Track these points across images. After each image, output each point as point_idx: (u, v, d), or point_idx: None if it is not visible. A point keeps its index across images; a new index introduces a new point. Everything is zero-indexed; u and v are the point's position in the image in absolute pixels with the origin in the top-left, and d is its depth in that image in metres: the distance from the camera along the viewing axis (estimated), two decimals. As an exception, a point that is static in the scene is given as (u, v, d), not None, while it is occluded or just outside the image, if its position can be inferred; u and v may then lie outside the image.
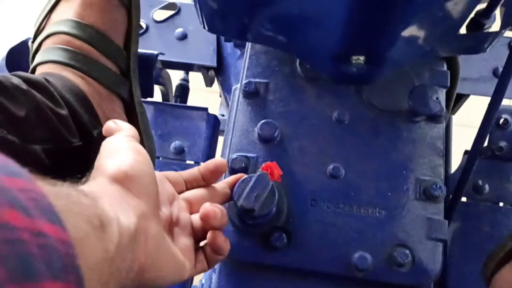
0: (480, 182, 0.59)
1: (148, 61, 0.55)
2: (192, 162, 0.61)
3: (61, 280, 0.18)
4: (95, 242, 0.22)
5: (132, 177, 0.29)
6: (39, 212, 0.18)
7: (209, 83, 0.72)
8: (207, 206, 0.35)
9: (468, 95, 0.64)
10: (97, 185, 0.28)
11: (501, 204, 0.61)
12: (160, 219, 0.31)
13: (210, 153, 0.62)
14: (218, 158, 0.42)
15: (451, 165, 0.65)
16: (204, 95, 0.76)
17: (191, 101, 0.75)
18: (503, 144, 0.54)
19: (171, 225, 0.34)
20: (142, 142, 0.48)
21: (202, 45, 0.67)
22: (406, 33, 0.40)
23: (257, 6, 0.43)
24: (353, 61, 0.43)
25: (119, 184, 0.28)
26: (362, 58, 0.43)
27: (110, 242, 0.23)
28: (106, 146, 0.32)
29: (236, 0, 0.43)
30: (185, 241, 0.34)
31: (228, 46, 0.67)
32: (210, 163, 0.40)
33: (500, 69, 0.65)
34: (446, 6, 0.38)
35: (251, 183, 0.41)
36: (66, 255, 0.18)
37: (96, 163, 0.31)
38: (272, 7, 0.43)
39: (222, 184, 0.41)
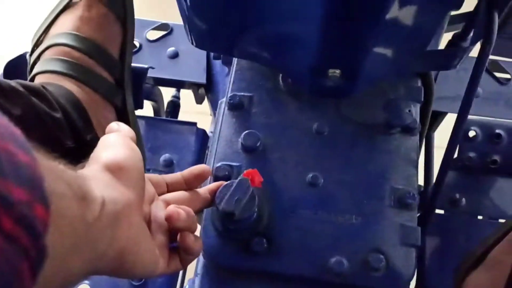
0: (457, 195, 0.61)
1: (139, 74, 0.58)
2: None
3: (27, 189, 0.18)
4: (72, 204, 0.23)
5: (124, 168, 0.31)
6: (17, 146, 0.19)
7: (199, 100, 0.75)
8: (170, 208, 0.36)
9: (445, 113, 0.67)
10: (90, 170, 0.30)
11: (479, 217, 0.63)
12: (143, 212, 0.33)
13: (198, 166, 0.64)
14: (203, 165, 0.44)
15: (432, 179, 0.67)
16: (194, 117, 0.79)
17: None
18: (472, 155, 0.56)
19: (149, 222, 0.36)
20: None
21: (193, 63, 0.71)
22: (376, 50, 0.43)
23: (242, 27, 0.46)
24: (330, 74, 0.46)
25: (111, 173, 0.30)
26: (338, 71, 0.46)
27: (89, 212, 0.25)
28: (103, 141, 0.34)
29: (221, 20, 0.46)
30: (160, 238, 0.36)
31: (217, 64, 0.70)
32: (195, 167, 0.42)
33: (477, 89, 0.68)
34: (411, 26, 0.41)
35: (232, 188, 0.44)
36: (33, 175, 0.19)
37: (92, 155, 0.33)
38: (255, 28, 0.46)
39: (204, 190, 0.44)
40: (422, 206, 0.60)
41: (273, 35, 0.46)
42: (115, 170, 0.30)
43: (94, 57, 0.50)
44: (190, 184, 0.42)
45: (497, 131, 0.55)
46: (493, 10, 0.42)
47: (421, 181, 0.65)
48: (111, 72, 0.51)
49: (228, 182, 0.44)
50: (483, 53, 0.43)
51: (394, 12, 0.38)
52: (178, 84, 0.72)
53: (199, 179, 0.42)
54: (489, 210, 0.61)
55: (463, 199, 0.61)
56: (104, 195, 0.27)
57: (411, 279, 0.48)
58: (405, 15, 0.40)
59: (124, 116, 0.52)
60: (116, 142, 0.33)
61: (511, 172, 0.57)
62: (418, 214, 0.59)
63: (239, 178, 0.44)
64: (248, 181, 0.44)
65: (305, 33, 0.44)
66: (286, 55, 0.48)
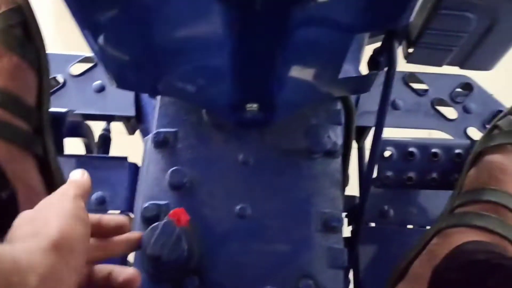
0: (385, 207, 0.64)
1: (58, 119, 0.57)
2: (115, 211, 0.63)
3: None
4: None
5: (74, 250, 0.30)
6: None
7: (131, 131, 0.74)
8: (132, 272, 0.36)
9: (370, 127, 0.69)
10: (30, 250, 0.28)
11: (409, 226, 0.66)
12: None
13: (132, 201, 0.63)
14: (123, 218, 0.43)
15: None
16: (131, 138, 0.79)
17: (121, 144, 0.77)
18: (389, 173, 0.59)
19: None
20: None
21: (121, 95, 0.70)
22: (288, 80, 0.44)
23: (154, 67, 0.46)
24: (248, 109, 0.47)
25: (57, 255, 0.28)
26: (255, 105, 0.47)
27: None
28: (50, 205, 0.32)
29: (133, 63, 0.46)
30: None
31: (145, 96, 0.69)
32: (115, 219, 0.42)
33: (398, 102, 0.71)
34: (320, 54, 0.43)
35: (157, 231, 0.44)
36: None
37: (35, 216, 0.31)
38: (167, 67, 0.46)
39: (127, 235, 0.43)
40: (353, 220, 0.62)
41: (186, 73, 0.47)
42: (64, 250, 0.29)
43: (8, 107, 0.48)
44: (105, 234, 0.41)
45: (410, 149, 0.58)
46: (392, 41, 0.44)
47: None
48: (28, 120, 0.50)
49: (154, 225, 0.44)
50: (387, 78, 0.46)
51: (299, 41, 0.40)
52: (107, 118, 0.71)
53: (117, 231, 0.42)
54: (416, 218, 0.64)
55: (391, 211, 0.63)
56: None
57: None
58: (312, 44, 0.41)
59: (46, 164, 0.51)
60: (64, 211, 0.32)
61: (424, 186, 0.60)
62: (351, 229, 0.62)
63: (164, 221, 0.45)
64: (173, 223, 0.45)
65: (216, 70, 0.45)
66: (204, 91, 0.49)
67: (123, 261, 0.59)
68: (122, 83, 0.50)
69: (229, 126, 0.54)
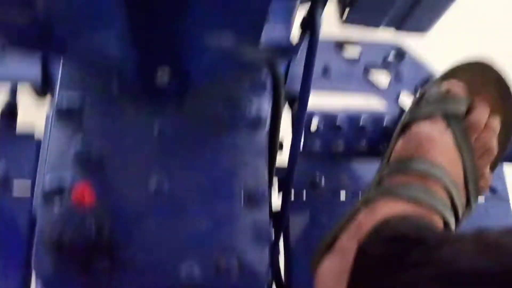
0: (317, 177, 0.62)
1: None
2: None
3: None
4: None
5: None
6: None
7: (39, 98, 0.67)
8: None
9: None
10: None
11: (342, 192, 0.65)
12: None
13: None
14: None
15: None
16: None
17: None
18: (317, 144, 0.57)
19: None
20: None
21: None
22: (200, 46, 0.40)
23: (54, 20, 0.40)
24: (159, 73, 0.43)
25: None
26: (166, 69, 0.42)
27: None
28: None
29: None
30: None
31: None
32: None
33: (328, 69, 0.68)
34: (231, 20, 0.39)
35: (56, 214, 0.39)
36: None
37: None
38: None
39: None
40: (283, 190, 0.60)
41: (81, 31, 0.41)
42: None
43: None
44: None
45: (338, 123, 0.56)
46: (316, 4, 0.41)
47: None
48: None
49: (54, 205, 0.39)
50: (310, 44, 0.43)
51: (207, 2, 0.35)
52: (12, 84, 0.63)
53: None
54: (349, 185, 0.63)
55: (323, 179, 0.61)
56: None
57: (267, 277, 0.47)
58: (223, 4, 0.37)
59: None
60: None
61: (354, 154, 0.58)
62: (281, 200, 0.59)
63: (64, 202, 0.39)
64: (76, 203, 0.40)
65: (116, 30, 0.39)
66: (108, 53, 0.44)
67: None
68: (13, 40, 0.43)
69: (142, 94, 0.49)
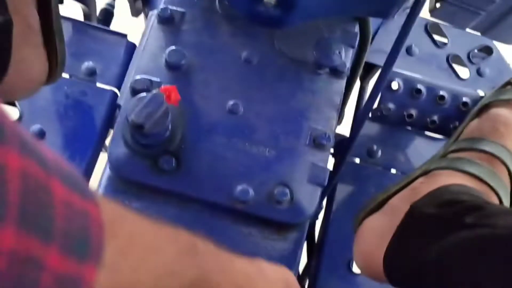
0: (374, 146, 0.63)
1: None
2: (103, 86, 0.60)
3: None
4: None
5: None
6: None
7: (135, 13, 0.71)
8: None
9: (379, 67, 0.67)
10: None
11: (392, 170, 0.66)
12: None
13: (122, 79, 0.61)
14: None
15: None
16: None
17: (122, 26, 0.74)
18: (391, 106, 0.57)
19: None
20: (54, 43, 0.46)
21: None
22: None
23: None
24: (266, 1, 0.45)
25: None
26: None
27: None
28: None
29: None
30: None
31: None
32: None
33: (414, 48, 0.68)
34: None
35: (145, 101, 0.42)
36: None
37: None
38: None
39: None
40: (339, 154, 0.61)
41: None
42: None
43: None
44: None
45: (418, 86, 0.56)
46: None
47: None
48: None
49: (142, 95, 0.43)
50: (408, 18, 0.43)
51: None
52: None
53: None
54: (401, 164, 0.64)
55: (380, 151, 0.62)
56: None
57: (312, 217, 0.49)
58: None
59: (46, 6, 0.47)
60: None
61: (422, 127, 0.59)
62: (334, 161, 0.61)
63: (154, 92, 0.43)
64: (163, 97, 0.43)
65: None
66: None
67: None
68: None
69: (240, 20, 0.51)
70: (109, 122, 0.57)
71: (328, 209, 0.64)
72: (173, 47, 0.49)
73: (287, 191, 0.47)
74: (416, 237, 0.40)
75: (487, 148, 0.45)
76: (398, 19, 0.53)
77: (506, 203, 0.44)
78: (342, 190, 0.64)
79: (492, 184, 0.43)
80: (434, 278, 0.37)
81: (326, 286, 0.60)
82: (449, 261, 0.36)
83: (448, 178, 0.44)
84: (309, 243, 0.64)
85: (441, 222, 0.38)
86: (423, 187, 0.44)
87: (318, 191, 0.48)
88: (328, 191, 0.62)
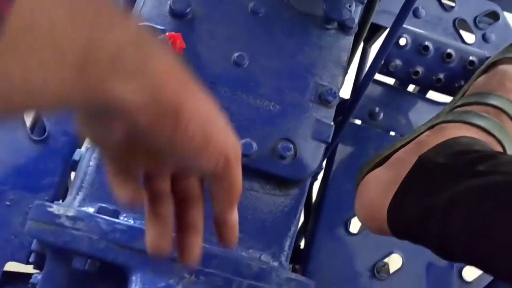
0: (376, 109, 0.62)
1: None
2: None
3: None
4: None
5: None
6: None
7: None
8: None
9: (384, 29, 0.66)
10: None
11: (392, 133, 0.65)
12: None
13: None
14: None
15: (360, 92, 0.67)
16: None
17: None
18: (398, 62, 0.56)
19: None
20: None
21: None
22: None
23: None
24: None
25: None
26: None
27: None
28: None
29: None
30: None
31: None
32: None
33: (420, 10, 0.67)
34: None
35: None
36: None
37: None
38: None
39: None
40: (340, 114, 0.61)
41: None
42: None
43: None
44: None
45: (426, 43, 0.55)
46: None
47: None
48: None
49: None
50: None
51: None
52: None
53: None
54: (402, 127, 0.63)
55: (382, 113, 0.62)
56: None
57: (314, 172, 0.49)
58: None
59: None
60: None
61: (428, 85, 0.58)
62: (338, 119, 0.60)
63: (158, 37, 0.41)
64: (168, 42, 0.41)
65: None
66: None
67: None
68: None
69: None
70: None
71: (327, 170, 0.64)
72: (178, -6, 0.47)
73: (291, 146, 0.46)
74: (425, 186, 0.40)
75: (494, 102, 0.44)
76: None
77: (512, 155, 0.44)
78: (342, 151, 0.63)
79: (499, 137, 0.43)
80: (441, 223, 0.37)
81: (323, 246, 0.60)
82: (461, 206, 0.36)
83: (456, 131, 0.43)
84: (307, 203, 0.64)
85: (453, 171, 0.38)
86: (430, 140, 0.44)
87: (322, 147, 0.48)
88: (330, 151, 0.61)
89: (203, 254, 0.30)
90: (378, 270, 0.61)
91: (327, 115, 0.48)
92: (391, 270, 0.61)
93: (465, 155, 0.39)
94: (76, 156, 0.48)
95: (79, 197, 0.45)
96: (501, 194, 0.34)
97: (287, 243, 0.48)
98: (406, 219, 0.41)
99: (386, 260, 0.61)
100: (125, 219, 0.43)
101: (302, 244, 0.64)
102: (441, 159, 0.40)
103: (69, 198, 0.46)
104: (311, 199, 0.67)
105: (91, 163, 0.46)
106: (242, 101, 0.47)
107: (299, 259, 0.62)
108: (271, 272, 0.42)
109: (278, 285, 0.42)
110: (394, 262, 0.63)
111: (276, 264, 0.46)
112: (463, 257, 0.37)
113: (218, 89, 0.47)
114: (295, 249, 0.59)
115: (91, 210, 0.43)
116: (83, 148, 0.54)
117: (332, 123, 0.48)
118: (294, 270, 0.62)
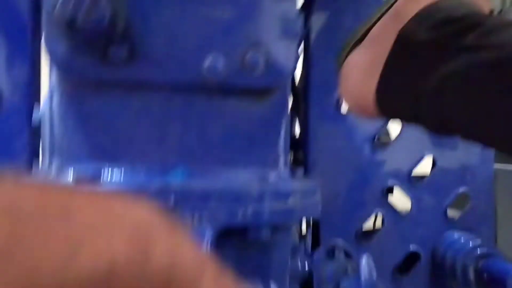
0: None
1: None
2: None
3: None
4: None
5: None
6: None
7: None
8: None
9: None
10: None
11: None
12: None
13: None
14: None
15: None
16: None
17: None
18: None
19: None
20: None
21: None
22: None
23: None
24: None
25: None
26: None
27: None
28: None
29: None
30: None
31: None
32: None
33: None
34: None
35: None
36: None
37: None
38: None
39: None
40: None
41: None
42: None
43: None
44: None
45: None
46: None
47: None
48: None
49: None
50: None
51: None
52: None
53: None
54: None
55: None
56: None
57: (291, 74, 0.45)
58: None
59: None
60: None
61: None
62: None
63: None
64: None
65: None
66: None
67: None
68: None
69: None
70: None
71: (306, 53, 0.59)
72: None
73: (260, 53, 0.42)
74: (410, 67, 0.36)
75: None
76: None
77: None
78: (318, 24, 0.58)
79: None
80: (433, 108, 0.35)
81: (318, 130, 0.58)
82: (450, 90, 0.33)
83: None
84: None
85: (438, 47, 0.34)
86: (408, 8, 0.38)
87: (294, 44, 0.43)
88: (303, 37, 0.56)
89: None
90: (378, 137, 0.60)
91: (290, 6, 0.42)
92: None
93: (448, 25, 0.34)
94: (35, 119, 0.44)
95: (55, 164, 0.43)
96: (491, 76, 0.31)
97: (281, 149, 0.46)
98: (397, 104, 0.39)
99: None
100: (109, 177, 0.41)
101: (298, 135, 0.62)
102: (423, 35, 0.35)
103: (45, 164, 0.43)
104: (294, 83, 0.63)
105: (55, 122, 0.43)
106: (195, 16, 0.41)
107: (297, 147, 0.61)
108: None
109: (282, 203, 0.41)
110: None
111: (275, 173, 0.45)
112: (462, 136, 0.36)
113: (165, 9, 0.41)
114: (292, 139, 0.57)
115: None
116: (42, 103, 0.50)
117: (298, 12, 0.42)
118: (295, 159, 0.61)
